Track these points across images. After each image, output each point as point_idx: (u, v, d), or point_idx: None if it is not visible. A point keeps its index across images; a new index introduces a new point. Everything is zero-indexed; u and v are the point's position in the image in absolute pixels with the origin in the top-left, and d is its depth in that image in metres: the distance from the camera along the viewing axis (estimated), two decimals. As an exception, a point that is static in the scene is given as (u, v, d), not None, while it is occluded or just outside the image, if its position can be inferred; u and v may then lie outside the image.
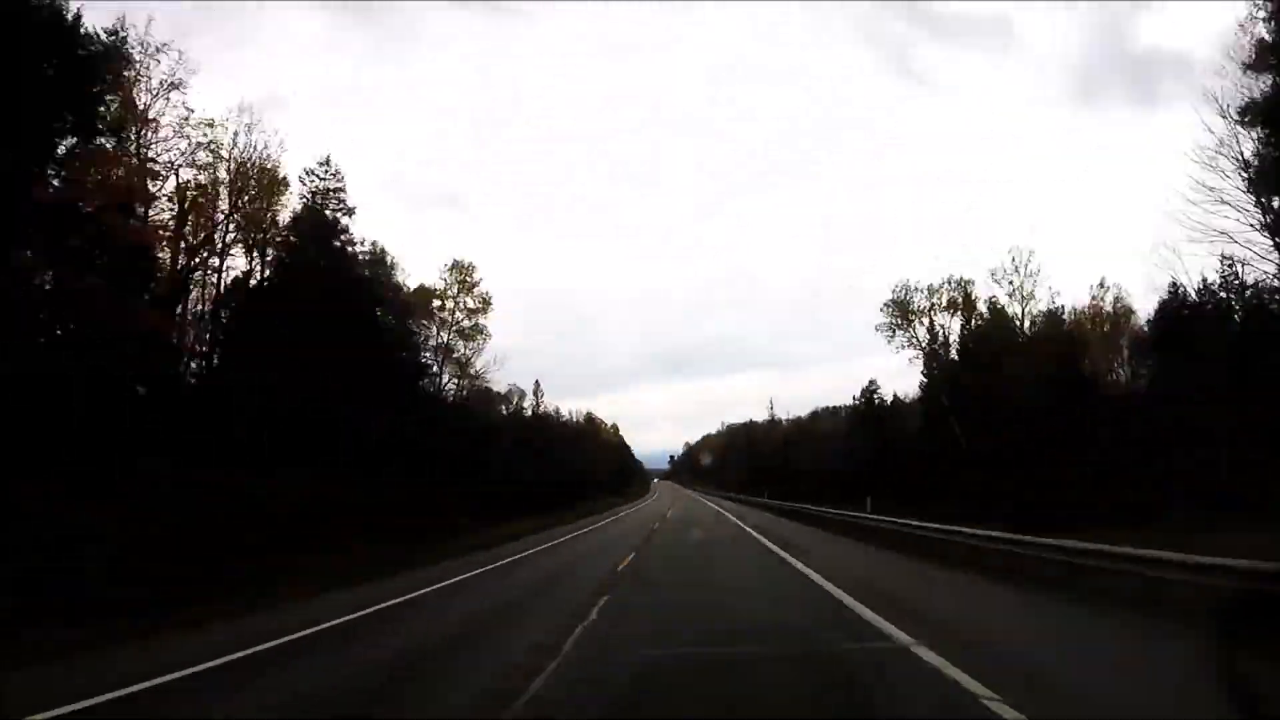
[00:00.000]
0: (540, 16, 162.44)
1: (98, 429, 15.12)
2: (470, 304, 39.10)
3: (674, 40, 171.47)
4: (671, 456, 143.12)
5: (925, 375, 36.89)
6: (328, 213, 27.15)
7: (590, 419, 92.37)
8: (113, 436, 15.43)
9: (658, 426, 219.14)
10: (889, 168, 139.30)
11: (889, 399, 44.97)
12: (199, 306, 24.95)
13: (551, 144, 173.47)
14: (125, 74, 18.86)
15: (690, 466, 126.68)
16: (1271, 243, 19.83)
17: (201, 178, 22.64)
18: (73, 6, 15.55)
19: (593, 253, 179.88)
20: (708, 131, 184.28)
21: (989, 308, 34.75)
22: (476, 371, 40.21)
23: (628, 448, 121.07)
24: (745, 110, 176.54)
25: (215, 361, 24.53)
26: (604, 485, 75.55)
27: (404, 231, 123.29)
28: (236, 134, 23.53)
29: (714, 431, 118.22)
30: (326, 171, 27.35)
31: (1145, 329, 29.14)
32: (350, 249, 28.48)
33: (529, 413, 57.14)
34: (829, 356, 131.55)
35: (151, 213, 20.72)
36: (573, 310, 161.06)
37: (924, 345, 36.62)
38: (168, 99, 20.37)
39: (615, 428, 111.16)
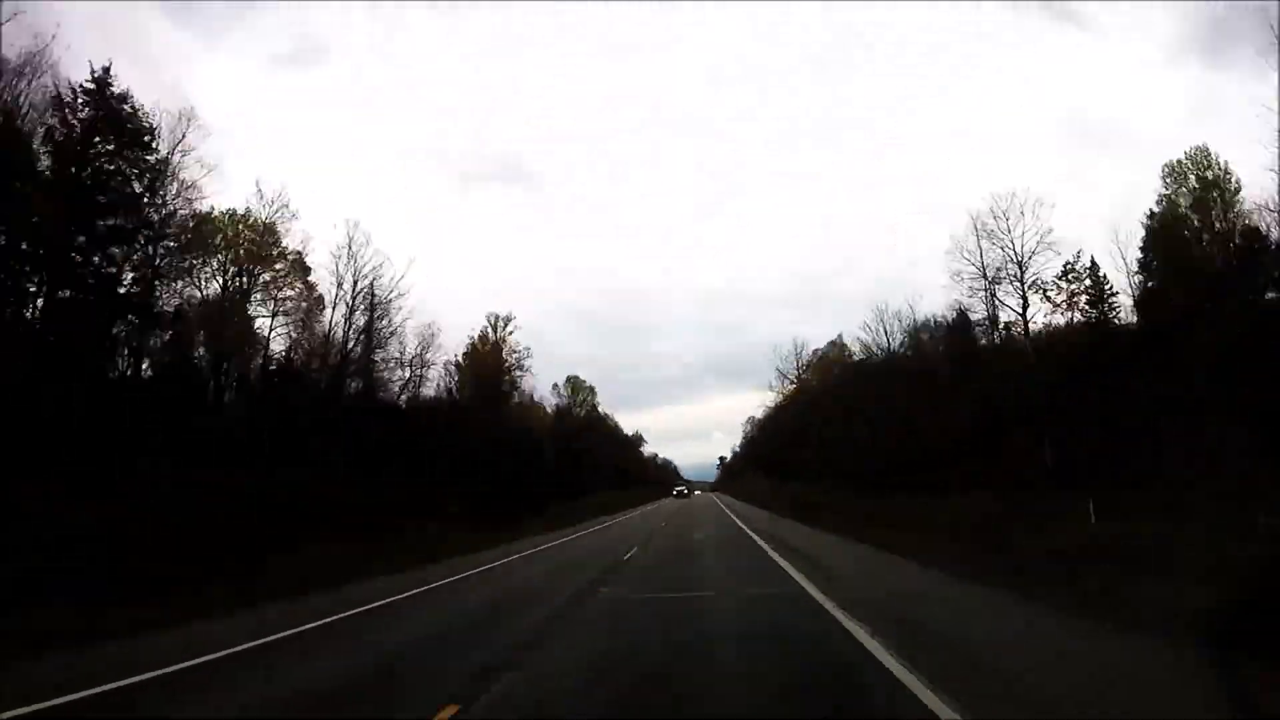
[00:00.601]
0: (540, 16, 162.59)
1: (98, 429, 15.14)
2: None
3: (674, 40, 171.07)
4: (721, 459, 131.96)
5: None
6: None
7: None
8: (113, 436, 15.46)
9: (713, 439, 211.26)
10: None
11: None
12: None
13: (551, 144, 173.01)
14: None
15: (737, 470, 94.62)
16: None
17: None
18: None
19: (594, 254, 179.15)
20: (708, 131, 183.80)
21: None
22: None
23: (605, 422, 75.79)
24: (745, 110, 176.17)
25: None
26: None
27: (404, 232, 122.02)
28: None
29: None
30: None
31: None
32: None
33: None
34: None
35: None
36: (610, 322, 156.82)
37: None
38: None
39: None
